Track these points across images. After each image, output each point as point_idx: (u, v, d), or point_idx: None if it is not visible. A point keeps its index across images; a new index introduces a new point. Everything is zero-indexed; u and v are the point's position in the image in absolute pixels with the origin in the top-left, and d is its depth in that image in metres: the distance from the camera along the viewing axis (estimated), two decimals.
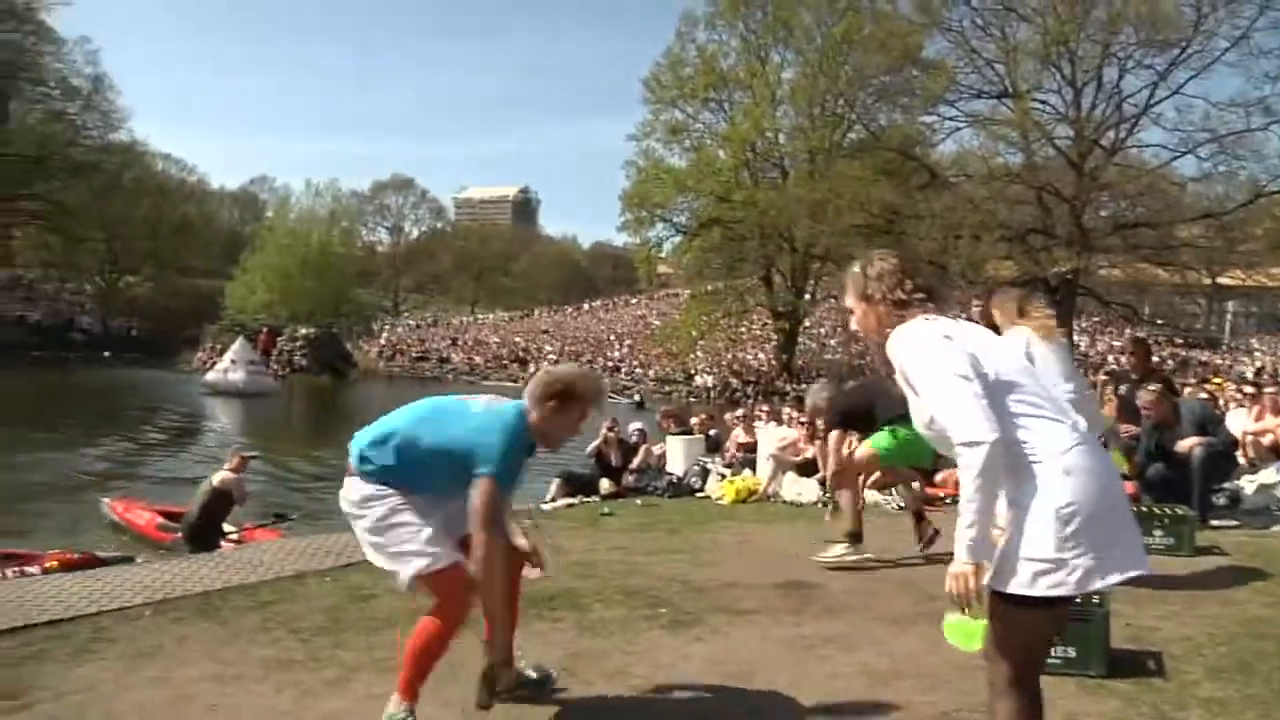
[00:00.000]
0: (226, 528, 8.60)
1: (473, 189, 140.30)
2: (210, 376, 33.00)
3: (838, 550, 5.92)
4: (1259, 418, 8.44)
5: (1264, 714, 3.37)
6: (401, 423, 3.25)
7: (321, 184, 58.82)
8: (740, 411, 11.18)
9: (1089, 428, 2.34)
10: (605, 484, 9.75)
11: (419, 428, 3.22)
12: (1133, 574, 2.21)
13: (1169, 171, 24.16)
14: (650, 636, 4.42)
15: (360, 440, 3.28)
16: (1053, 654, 3.78)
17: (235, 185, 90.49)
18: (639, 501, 9.05)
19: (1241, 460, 6.79)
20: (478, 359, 51.67)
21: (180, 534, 8.78)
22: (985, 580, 2.18)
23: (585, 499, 9.31)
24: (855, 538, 5.95)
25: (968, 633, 2.58)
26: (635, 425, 10.90)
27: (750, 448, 10.24)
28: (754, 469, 9.68)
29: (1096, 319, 35.42)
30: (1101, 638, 3.82)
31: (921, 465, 8.04)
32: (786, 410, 12.74)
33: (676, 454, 10.35)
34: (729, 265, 40.48)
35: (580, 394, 3.27)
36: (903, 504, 6.92)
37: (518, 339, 58.36)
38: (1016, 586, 2.16)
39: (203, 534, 8.37)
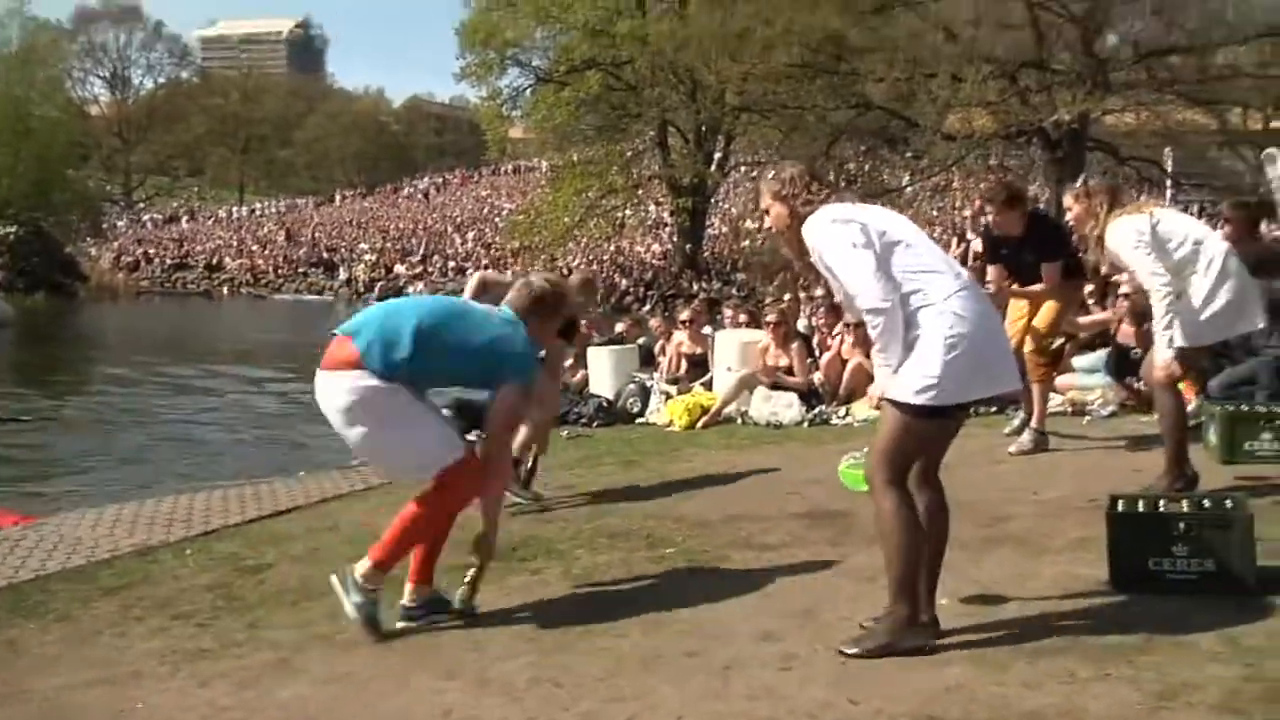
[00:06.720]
0: None
1: (225, 23, 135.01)
2: None
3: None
4: None
5: None
6: (412, 317, 4.21)
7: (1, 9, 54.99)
8: (686, 314, 11.38)
9: None
10: None
11: (439, 325, 4.23)
12: (1003, 391, 3.97)
13: None
14: (671, 579, 4.61)
15: (365, 330, 4.17)
16: (1186, 568, 4.19)
17: None
18: (563, 433, 9.21)
19: None
20: (263, 264, 50.49)
21: None
22: (885, 394, 3.68)
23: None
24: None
25: (856, 477, 4.53)
26: None
27: (698, 359, 10.48)
28: (709, 385, 9.95)
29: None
30: (1244, 546, 4.19)
31: None
32: (729, 312, 13.02)
33: (603, 370, 10.51)
34: (611, 125, 40.27)
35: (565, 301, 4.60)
36: None
37: (318, 235, 57.13)
38: (904, 396, 3.60)
39: None
